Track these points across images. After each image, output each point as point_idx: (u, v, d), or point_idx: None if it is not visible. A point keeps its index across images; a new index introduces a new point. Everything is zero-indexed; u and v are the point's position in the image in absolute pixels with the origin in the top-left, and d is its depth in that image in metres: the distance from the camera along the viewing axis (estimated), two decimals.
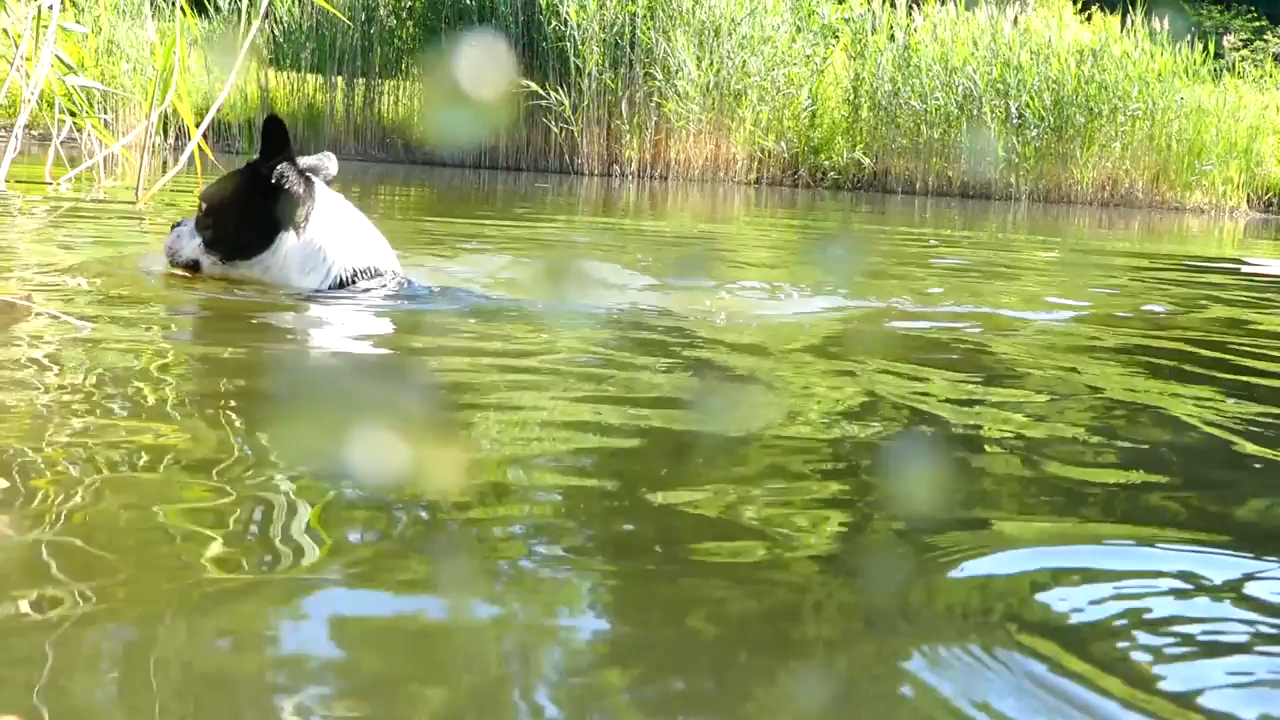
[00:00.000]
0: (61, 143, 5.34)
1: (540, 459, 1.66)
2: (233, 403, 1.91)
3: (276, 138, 2.61)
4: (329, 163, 2.86)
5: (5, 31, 3.47)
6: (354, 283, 2.64)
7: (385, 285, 2.68)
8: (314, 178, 2.73)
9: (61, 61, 3.82)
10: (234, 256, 2.69)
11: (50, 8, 3.82)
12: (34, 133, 9.06)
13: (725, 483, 1.61)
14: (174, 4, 4.22)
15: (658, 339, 2.67)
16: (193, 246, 2.72)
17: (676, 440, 1.82)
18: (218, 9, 13.85)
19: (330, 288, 2.63)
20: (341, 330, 2.52)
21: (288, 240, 2.62)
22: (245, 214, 2.63)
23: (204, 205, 2.73)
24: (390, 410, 1.87)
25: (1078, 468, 1.79)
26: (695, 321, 2.94)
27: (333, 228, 2.67)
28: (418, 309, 2.70)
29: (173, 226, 2.83)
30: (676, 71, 13.03)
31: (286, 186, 2.59)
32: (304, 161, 2.79)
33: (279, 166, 2.59)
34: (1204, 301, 4.35)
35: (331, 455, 1.59)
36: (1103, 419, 2.17)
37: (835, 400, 2.16)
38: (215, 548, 1.25)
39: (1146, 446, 1.98)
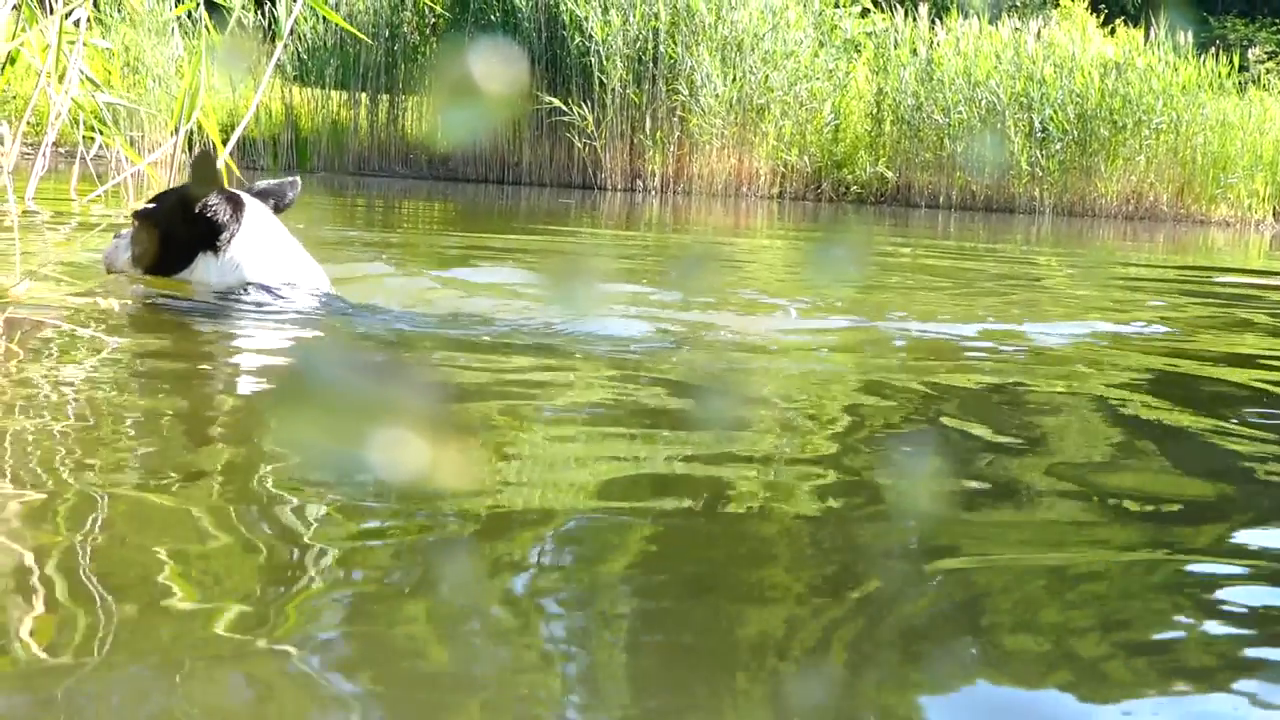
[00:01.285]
0: (91, 159, 5.38)
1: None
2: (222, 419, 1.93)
3: (205, 169, 2.76)
4: (290, 189, 2.96)
5: (33, 44, 3.50)
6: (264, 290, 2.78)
7: (310, 297, 2.81)
8: (249, 202, 2.85)
9: (89, 79, 3.84)
10: (156, 273, 2.85)
11: (76, 23, 3.84)
12: (61, 150, 9.11)
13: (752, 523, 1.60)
14: (197, 21, 4.25)
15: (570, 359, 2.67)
16: (124, 260, 2.89)
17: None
18: (241, 25, 13.91)
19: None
20: (285, 348, 2.52)
21: (204, 260, 2.77)
22: (168, 237, 2.78)
23: (135, 223, 2.89)
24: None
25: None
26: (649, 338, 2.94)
27: (252, 247, 2.79)
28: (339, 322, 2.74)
29: (115, 236, 2.98)
30: (700, 87, 13.04)
31: (210, 215, 2.74)
32: (262, 184, 2.94)
33: (205, 197, 2.73)
34: (1235, 315, 4.34)
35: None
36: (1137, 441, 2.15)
37: (861, 424, 2.15)
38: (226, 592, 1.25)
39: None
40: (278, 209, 2.94)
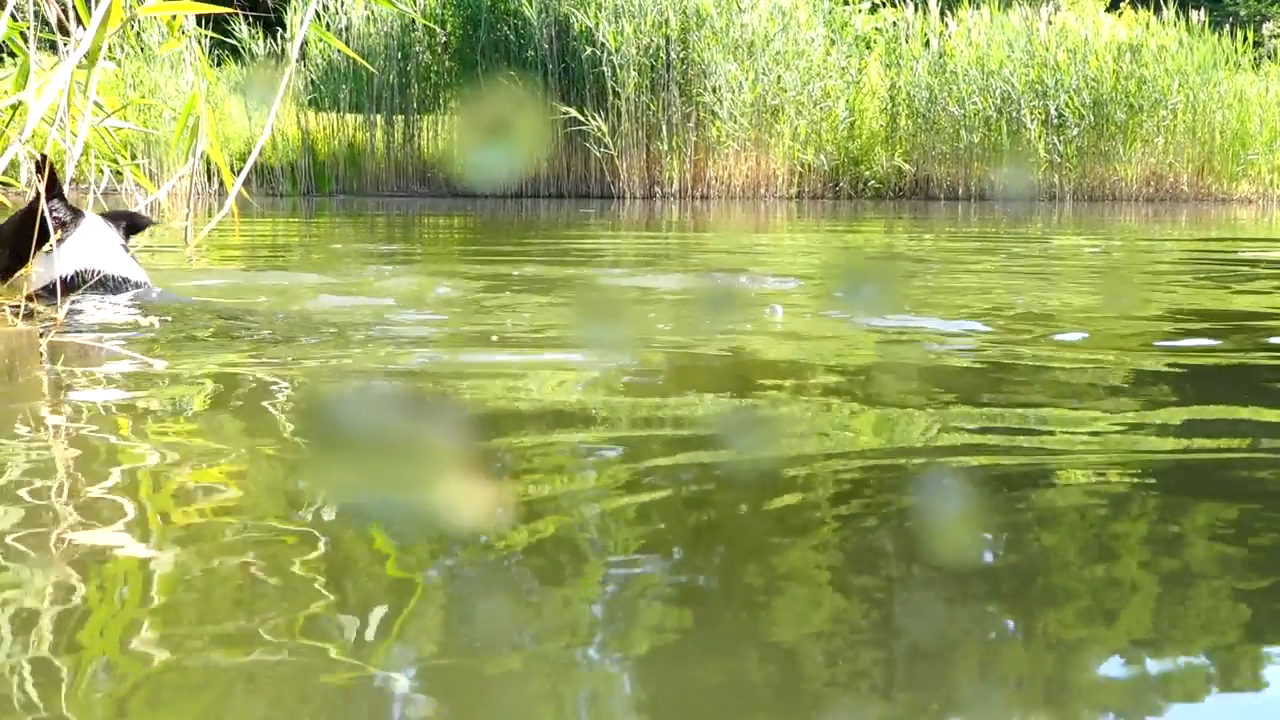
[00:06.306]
0: (104, 193, 5.41)
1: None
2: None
3: (50, 180, 3.05)
4: (144, 219, 3.45)
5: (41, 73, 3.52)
6: (77, 281, 3.08)
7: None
8: (87, 214, 3.20)
9: (100, 108, 3.89)
10: (8, 275, 3.16)
11: (84, 66, 3.84)
12: (81, 186, 9.18)
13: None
14: (204, 50, 4.28)
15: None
16: None
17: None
18: (253, 56, 14.01)
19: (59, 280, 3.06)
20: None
21: (42, 255, 3.09)
22: (19, 244, 3.09)
23: None
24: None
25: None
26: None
27: (72, 244, 3.12)
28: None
29: None
30: (714, 91, 13.04)
31: (53, 217, 3.07)
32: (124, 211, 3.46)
33: (49, 203, 3.03)
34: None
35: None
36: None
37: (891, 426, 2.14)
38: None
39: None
40: (134, 230, 3.37)
